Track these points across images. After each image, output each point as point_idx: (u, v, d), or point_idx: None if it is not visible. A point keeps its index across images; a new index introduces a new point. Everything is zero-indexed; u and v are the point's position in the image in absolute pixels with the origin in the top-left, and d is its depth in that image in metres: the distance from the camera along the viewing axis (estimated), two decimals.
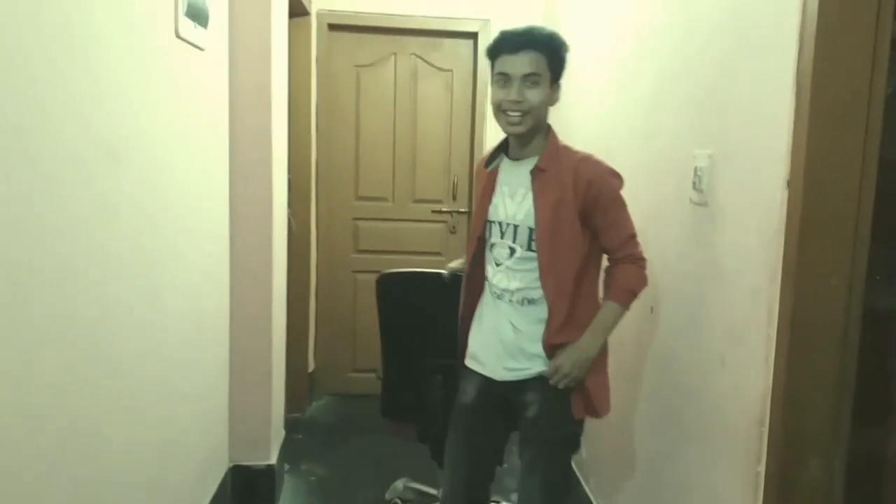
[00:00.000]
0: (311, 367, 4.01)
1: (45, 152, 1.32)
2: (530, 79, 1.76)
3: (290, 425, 3.24)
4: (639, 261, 1.83)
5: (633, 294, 1.82)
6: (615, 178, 1.82)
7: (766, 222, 1.40)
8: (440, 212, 4.09)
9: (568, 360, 1.78)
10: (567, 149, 1.86)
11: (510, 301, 1.87)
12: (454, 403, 2.03)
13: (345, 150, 4.02)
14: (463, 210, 4.09)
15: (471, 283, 2.01)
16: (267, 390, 2.77)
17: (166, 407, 2.01)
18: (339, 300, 4.11)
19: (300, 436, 3.49)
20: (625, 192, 1.83)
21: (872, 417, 1.43)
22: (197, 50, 2.20)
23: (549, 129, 1.89)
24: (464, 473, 2.01)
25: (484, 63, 3.89)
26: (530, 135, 1.84)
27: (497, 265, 1.90)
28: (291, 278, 3.27)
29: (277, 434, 2.96)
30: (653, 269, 2.02)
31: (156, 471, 1.95)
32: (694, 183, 1.73)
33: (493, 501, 2.25)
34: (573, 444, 1.94)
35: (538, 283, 1.81)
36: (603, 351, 1.84)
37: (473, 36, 3.91)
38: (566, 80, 1.85)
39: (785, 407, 1.34)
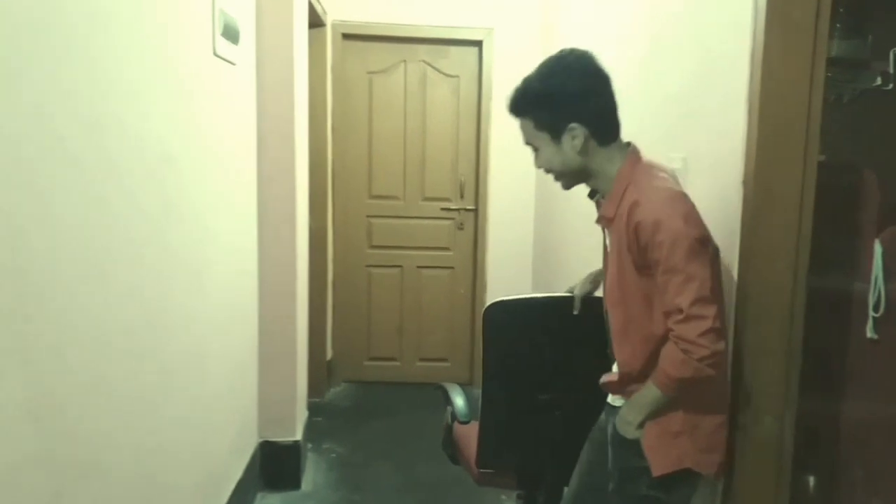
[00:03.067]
0: (329, 355, 4.27)
1: (121, 157, 1.57)
2: (532, 148, 1.68)
3: (311, 409, 3.51)
4: (679, 341, 1.44)
5: (669, 377, 1.49)
6: (673, 220, 1.44)
7: (727, 215, 1.64)
8: (448, 209, 4.33)
9: (618, 419, 1.63)
10: (637, 184, 1.54)
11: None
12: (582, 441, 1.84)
13: (358, 152, 4.27)
14: (470, 207, 4.33)
15: None
16: (292, 373, 3.03)
17: (206, 385, 2.27)
18: (355, 293, 4.37)
19: (320, 418, 3.76)
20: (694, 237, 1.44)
21: (817, 384, 1.67)
22: (230, 65, 2.45)
23: (621, 165, 1.58)
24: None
25: (489, 69, 4.15)
26: (584, 182, 1.66)
27: None
28: (310, 272, 3.50)
29: (301, 414, 3.22)
30: None
31: (199, 441, 2.21)
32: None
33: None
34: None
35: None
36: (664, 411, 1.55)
37: (478, 44, 4.15)
38: None
39: (742, 372, 1.59)
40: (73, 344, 1.37)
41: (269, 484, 2.98)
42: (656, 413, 1.55)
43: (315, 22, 3.71)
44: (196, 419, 2.18)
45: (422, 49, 4.21)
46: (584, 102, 1.56)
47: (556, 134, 1.58)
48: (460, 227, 4.36)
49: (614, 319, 1.62)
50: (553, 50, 1.67)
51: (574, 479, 1.85)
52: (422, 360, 4.44)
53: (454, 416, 2.25)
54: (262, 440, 2.98)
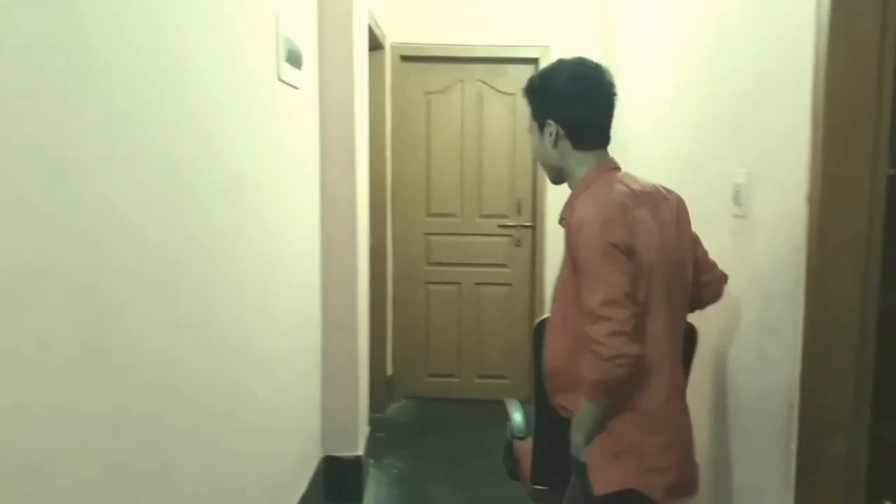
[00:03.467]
0: (390, 371, 4.32)
1: (196, 182, 1.66)
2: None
3: (372, 424, 3.56)
4: (589, 340, 1.49)
5: (587, 381, 1.54)
6: (593, 224, 1.52)
7: (792, 233, 1.61)
8: (505, 226, 4.34)
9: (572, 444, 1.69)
10: (591, 190, 1.64)
11: None
12: None
13: (417, 170, 4.34)
14: (527, 224, 4.34)
15: None
16: (354, 388, 3.08)
17: (273, 400, 2.34)
18: (414, 309, 4.42)
19: (381, 434, 3.80)
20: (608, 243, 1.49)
21: (891, 405, 1.62)
22: (293, 89, 2.54)
23: (585, 173, 1.70)
24: None
25: None
26: (564, 181, 1.78)
27: None
28: (370, 289, 3.58)
29: (363, 429, 3.28)
30: None
31: (266, 453, 2.28)
32: (734, 197, 1.95)
33: None
34: None
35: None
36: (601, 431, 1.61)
37: (535, 62, 4.18)
38: (625, 105, 1.86)
39: (812, 393, 1.55)
40: (148, 359, 1.45)
41: (332, 498, 3.04)
42: (598, 431, 1.60)
43: (375, 45, 3.80)
44: (264, 432, 2.25)
45: (478, 68, 4.26)
46: (561, 104, 1.69)
47: (540, 126, 1.73)
48: (518, 243, 4.37)
49: (554, 315, 1.70)
50: (609, 66, 1.74)
51: None
52: (480, 376, 4.45)
53: (513, 431, 2.26)
54: (325, 454, 3.04)
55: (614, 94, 1.73)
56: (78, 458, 1.19)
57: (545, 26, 4.16)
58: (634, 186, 1.67)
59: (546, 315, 1.83)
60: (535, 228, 4.34)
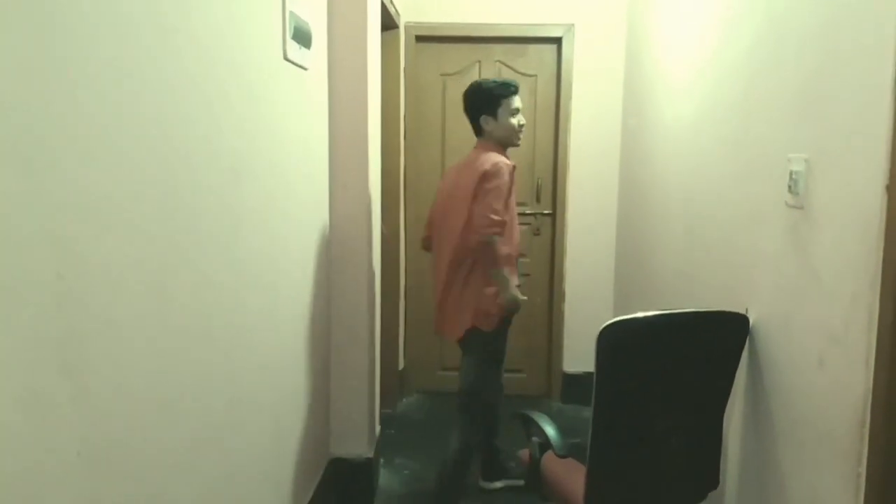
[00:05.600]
0: (402, 364, 4.15)
1: (190, 170, 1.48)
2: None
3: (383, 420, 3.39)
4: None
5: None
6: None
7: (865, 227, 1.41)
8: (524, 214, 4.15)
9: None
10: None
11: None
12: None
13: (431, 156, 4.15)
14: (547, 212, 4.15)
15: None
16: (364, 387, 2.92)
17: (278, 404, 2.18)
18: (427, 301, 4.23)
19: (392, 431, 3.64)
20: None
21: None
22: (301, 70, 2.35)
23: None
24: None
25: (568, 67, 3.96)
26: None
27: None
28: (382, 281, 3.41)
29: (374, 429, 3.11)
30: (748, 269, 2.04)
31: (270, 463, 2.11)
32: (790, 186, 1.74)
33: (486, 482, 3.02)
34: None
35: None
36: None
37: (557, 41, 3.97)
38: (651, 86, 1.88)
39: (887, 409, 1.36)
40: (133, 373, 1.27)
41: (342, 503, 2.88)
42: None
43: (388, 24, 3.61)
44: (268, 438, 2.09)
45: (497, 49, 4.05)
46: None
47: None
48: (537, 232, 4.18)
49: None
50: (639, 44, 1.80)
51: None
52: None
53: (543, 449, 2.07)
54: (333, 457, 2.88)
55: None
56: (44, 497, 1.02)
57: (569, 4, 3.94)
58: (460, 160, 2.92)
59: (618, 318, 1.78)
60: (555, 216, 4.14)
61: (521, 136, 2.83)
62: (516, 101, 2.79)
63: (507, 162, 2.68)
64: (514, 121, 2.78)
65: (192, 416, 1.53)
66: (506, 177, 2.61)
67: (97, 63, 1.14)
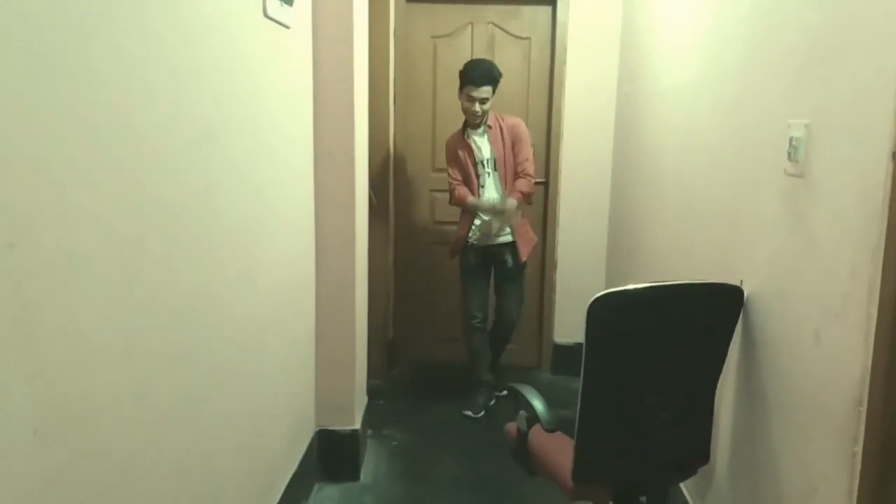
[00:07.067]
0: (391, 334, 4.10)
1: (151, 134, 1.39)
2: (482, 102, 3.40)
3: (371, 391, 3.34)
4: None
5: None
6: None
7: (867, 196, 1.35)
8: None
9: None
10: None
11: None
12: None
13: (422, 121, 4.05)
14: (539, 181, 4.06)
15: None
16: (351, 358, 2.86)
17: (259, 375, 2.12)
18: (418, 271, 4.18)
19: (381, 402, 3.60)
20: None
21: None
22: (283, 28, 2.25)
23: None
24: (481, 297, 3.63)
25: (563, 30, 3.84)
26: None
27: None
28: (371, 249, 3.34)
29: (361, 401, 3.07)
30: (743, 240, 1.98)
31: (250, 435, 2.06)
32: (789, 153, 1.67)
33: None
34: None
35: None
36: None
37: (553, 2, 3.85)
38: (647, 51, 1.81)
39: (886, 387, 1.30)
40: (94, 350, 1.20)
41: (327, 475, 2.84)
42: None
43: None
44: (250, 411, 2.03)
45: (490, 10, 3.93)
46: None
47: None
48: (529, 201, 4.09)
49: (507, 175, 3.46)
50: (635, 7, 1.71)
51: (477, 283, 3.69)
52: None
53: (530, 423, 2.02)
54: (319, 428, 2.84)
55: None
56: None
57: None
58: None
59: (608, 291, 1.75)
60: (547, 185, 4.06)
61: (477, 121, 3.41)
62: (474, 91, 3.30)
63: (450, 138, 3.59)
64: (468, 105, 3.35)
65: (162, 389, 1.46)
66: (448, 151, 3.57)
67: (44, 18, 1.04)
